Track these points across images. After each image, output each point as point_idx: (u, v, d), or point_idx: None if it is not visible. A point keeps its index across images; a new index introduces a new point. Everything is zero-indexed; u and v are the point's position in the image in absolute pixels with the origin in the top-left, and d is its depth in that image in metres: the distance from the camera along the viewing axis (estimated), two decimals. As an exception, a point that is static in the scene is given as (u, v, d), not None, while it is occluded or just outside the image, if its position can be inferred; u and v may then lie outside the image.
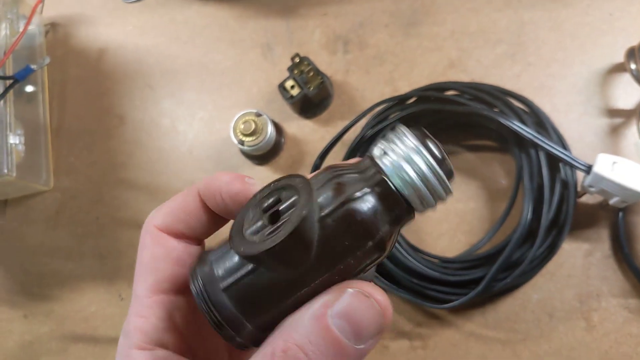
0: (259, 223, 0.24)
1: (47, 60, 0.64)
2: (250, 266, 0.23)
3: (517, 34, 0.61)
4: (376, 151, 0.24)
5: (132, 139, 0.67)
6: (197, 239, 0.30)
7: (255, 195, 0.26)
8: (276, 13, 0.67)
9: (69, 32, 0.73)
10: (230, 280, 0.23)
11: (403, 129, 0.24)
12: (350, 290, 0.23)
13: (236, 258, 0.24)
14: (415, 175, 0.23)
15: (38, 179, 0.65)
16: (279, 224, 0.23)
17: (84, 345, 0.62)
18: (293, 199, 0.23)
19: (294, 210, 0.23)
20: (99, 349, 0.62)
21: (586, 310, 0.54)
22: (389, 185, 0.23)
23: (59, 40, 0.72)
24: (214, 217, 0.30)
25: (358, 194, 0.23)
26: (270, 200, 0.25)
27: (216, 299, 0.23)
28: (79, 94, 0.70)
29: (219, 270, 0.24)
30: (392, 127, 0.27)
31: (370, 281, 0.24)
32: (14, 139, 0.60)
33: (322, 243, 0.23)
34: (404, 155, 0.23)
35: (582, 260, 0.55)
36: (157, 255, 0.28)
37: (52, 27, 0.73)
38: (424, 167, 0.23)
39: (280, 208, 0.24)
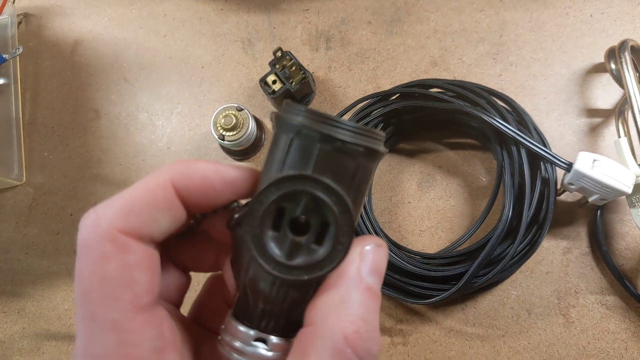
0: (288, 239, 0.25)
1: (20, 50, 0.63)
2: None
3: (498, 33, 0.61)
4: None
5: (108, 134, 0.66)
6: (156, 241, 0.26)
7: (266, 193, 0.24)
8: (258, 7, 0.67)
9: (43, 23, 0.71)
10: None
11: None
12: (368, 247, 0.25)
13: (253, 262, 0.25)
14: None
15: (9, 173, 0.63)
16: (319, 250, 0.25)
17: (58, 343, 0.61)
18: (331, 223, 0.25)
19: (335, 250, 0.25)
20: (73, 348, 0.60)
21: (564, 306, 0.55)
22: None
23: (32, 31, 0.70)
24: (184, 213, 0.26)
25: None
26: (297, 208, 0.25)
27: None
28: (52, 87, 0.68)
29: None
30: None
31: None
32: (-14, 131, 0.58)
33: None
34: None
35: (560, 257, 0.55)
36: (129, 264, 0.23)
37: (25, 18, 0.71)
38: None
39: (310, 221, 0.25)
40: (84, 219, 0.24)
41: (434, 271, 0.53)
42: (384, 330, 0.56)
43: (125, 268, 0.23)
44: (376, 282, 0.25)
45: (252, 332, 0.26)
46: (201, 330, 0.31)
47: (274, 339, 0.26)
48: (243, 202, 0.27)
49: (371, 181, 0.27)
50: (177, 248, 0.30)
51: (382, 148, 0.25)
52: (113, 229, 0.23)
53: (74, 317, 0.60)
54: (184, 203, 0.25)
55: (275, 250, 0.24)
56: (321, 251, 0.24)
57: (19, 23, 0.70)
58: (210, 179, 0.25)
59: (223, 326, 0.27)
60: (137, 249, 0.24)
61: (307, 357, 0.23)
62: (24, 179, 0.65)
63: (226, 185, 0.25)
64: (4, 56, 0.60)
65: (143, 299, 0.24)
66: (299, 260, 0.24)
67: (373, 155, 0.25)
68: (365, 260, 0.25)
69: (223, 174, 0.25)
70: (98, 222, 0.23)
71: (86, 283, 0.23)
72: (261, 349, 0.26)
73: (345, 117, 0.58)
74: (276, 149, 0.25)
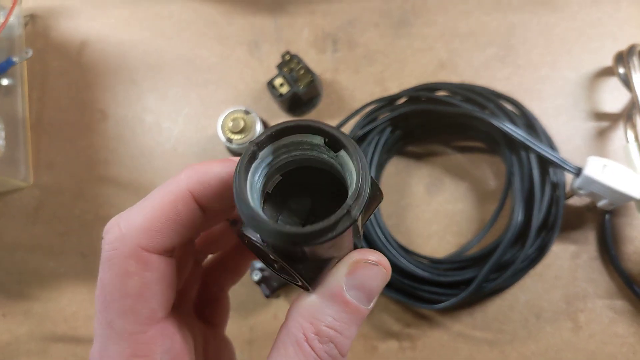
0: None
1: (30, 53, 0.62)
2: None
3: (507, 36, 0.61)
4: None
5: (114, 135, 0.66)
6: (176, 249, 0.27)
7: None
8: (264, 9, 0.67)
9: (49, 24, 0.70)
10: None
11: None
12: (358, 262, 0.25)
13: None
14: None
15: (17, 175, 0.63)
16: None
17: (65, 345, 0.60)
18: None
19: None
20: (80, 350, 0.60)
21: (573, 311, 0.54)
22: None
23: (39, 32, 0.70)
24: (204, 216, 0.27)
25: None
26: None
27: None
28: (59, 88, 0.68)
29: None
30: None
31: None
32: (-6, 133, 0.58)
33: None
34: None
35: (569, 261, 0.55)
36: (149, 281, 0.25)
37: (32, 19, 0.71)
38: None
39: None
40: (108, 232, 0.25)
41: (442, 275, 0.53)
42: (392, 334, 0.56)
43: (146, 284, 0.25)
44: (359, 298, 0.25)
45: None
46: (204, 328, 0.32)
47: None
48: None
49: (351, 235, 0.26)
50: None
51: (338, 228, 0.22)
52: (137, 247, 0.24)
53: (83, 320, 0.60)
54: (202, 207, 0.26)
55: None
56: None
57: (26, 24, 0.70)
58: (225, 180, 0.26)
59: None
60: (159, 264, 0.25)
61: (275, 347, 0.25)
62: (31, 181, 0.65)
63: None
64: (14, 59, 0.60)
65: (158, 313, 0.25)
66: None
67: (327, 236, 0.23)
68: (353, 274, 0.25)
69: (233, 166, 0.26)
70: (122, 239, 0.24)
71: (108, 295, 0.25)
72: None
73: (352, 122, 0.58)
74: None
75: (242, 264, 0.35)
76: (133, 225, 0.25)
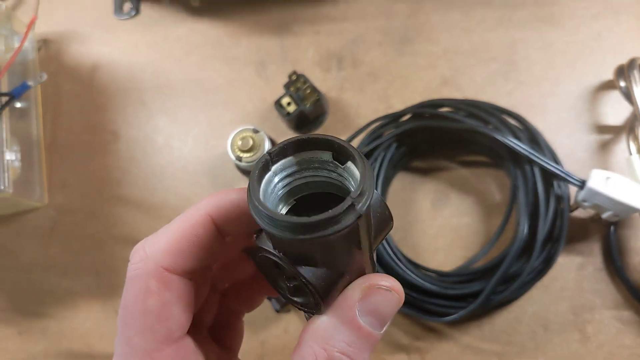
0: None
1: (44, 77, 0.64)
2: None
3: (508, 52, 0.62)
4: None
5: (126, 155, 0.67)
6: (197, 272, 0.28)
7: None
8: (269, 31, 0.68)
9: (61, 48, 0.72)
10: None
11: None
12: (372, 287, 0.25)
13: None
14: None
15: (32, 195, 0.65)
16: None
17: (79, 363, 0.62)
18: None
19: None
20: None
21: (580, 322, 0.55)
22: None
23: (52, 56, 0.72)
24: (222, 241, 0.28)
25: None
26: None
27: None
28: (72, 110, 0.70)
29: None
30: None
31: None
32: (10, 156, 0.59)
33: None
34: None
35: (575, 273, 0.56)
36: (168, 301, 0.26)
37: (44, 44, 0.73)
38: None
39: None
40: (133, 255, 0.27)
41: (450, 289, 0.54)
42: (401, 348, 0.57)
43: (165, 304, 0.26)
44: (372, 323, 0.25)
45: None
46: (219, 351, 0.33)
47: None
48: None
49: (363, 237, 0.25)
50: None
51: (338, 226, 0.22)
52: (159, 267, 0.26)
53: (98, 337, 0.61)
54: (220, 232, 0.28)
55: None
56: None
57: (39, 49, 0.72)
58: (242, 206, 0.27)
59: None
60: (178, 285, 0.26)
61: None
62: (46, 201, 0.66)
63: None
64: (28, 83, 0.62)
65: (175, 333, 0.26)
66: None
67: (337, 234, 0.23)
68: (366, 299, 0.25)
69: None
70: (146, 260, 0.26)
71: (129, 313, 0.25)
72: None
73: (358, 139, 0.60)
74: None
75: (257, 295, 0.36)
76: (157, 248, 0.26)
